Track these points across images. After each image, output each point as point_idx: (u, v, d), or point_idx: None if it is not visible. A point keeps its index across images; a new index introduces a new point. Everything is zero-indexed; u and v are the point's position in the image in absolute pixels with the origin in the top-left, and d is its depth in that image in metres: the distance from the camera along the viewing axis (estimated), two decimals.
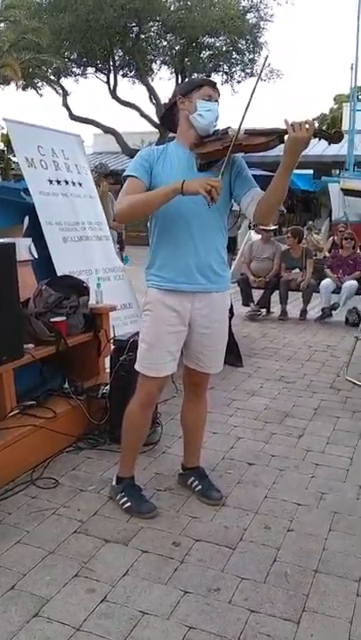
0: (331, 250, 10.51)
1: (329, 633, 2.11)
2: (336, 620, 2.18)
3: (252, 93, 2.43)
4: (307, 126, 2.30)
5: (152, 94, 20.27)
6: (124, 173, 2.58)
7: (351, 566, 2.49)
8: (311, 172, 18.90)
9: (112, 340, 3.78)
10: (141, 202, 2.50)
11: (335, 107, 37.93)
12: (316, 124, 2.36)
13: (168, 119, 2.73)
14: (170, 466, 3.29)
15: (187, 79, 20.27)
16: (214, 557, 2.51)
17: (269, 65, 20.20)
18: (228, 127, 2.58)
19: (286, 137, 2.37)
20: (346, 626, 2.15)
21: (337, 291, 7.83)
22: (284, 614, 2.19)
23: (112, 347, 3.72)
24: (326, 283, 7.87)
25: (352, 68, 14.89)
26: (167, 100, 19.24)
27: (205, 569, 2.43)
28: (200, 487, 2.98)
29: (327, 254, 10.70)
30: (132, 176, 2.55)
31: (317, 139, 2.38)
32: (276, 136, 2.47)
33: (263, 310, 8.13)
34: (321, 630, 2.12)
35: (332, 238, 11.93)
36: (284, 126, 2.38)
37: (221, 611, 2.20)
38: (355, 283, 7.72)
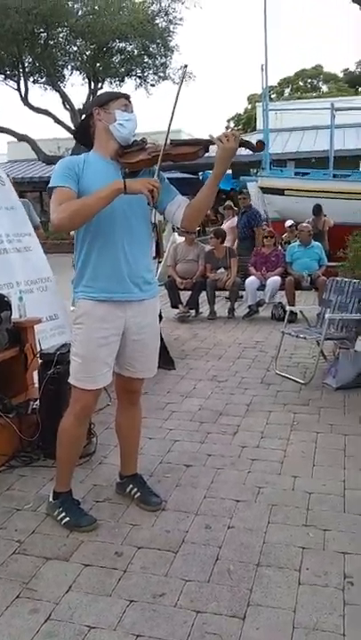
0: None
1: (274, 624, 2.16)
2: (280, 611, 2.23)
3: (175, 106, 2.52)
4: (233, 137, 2.48)
5: (65, 100, 20.03)
6: (51, 184, 2.53)
7: (292, 556, 2.56)
8: (230, 171, 19.27)
9: (39, 354, 3.71)
10: (82, 208, 2.47)
11: (249, 107, 38.86)
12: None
13: (82, 134, 2.73)
14: (107, 476, 3.27)
15: (100, 85, 20.19)
16: (157, 563, 2.52)
17: (182, 67, 20.41)
18: (143, 137, 2.63)
19: (215, 147, 2.53)
20: (290, 615, 2.21)
21: (261, 287, 8.02)
22: (230, 611, 2.23)
23: (39, 361, 3.65)
24: (251, 280, 8.04)
25: (262, 68, 15.21)
26: (81, 107, 19.04)
27: (149, 575, 2.43)
28: (139, 494, 2.98)
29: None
30: (61, 186, 2.52)
31: (244, 148, 2.56)
32: (202, 146, 2.60)
33: (192, 311, 8.21)
34: (266, 622, 2.17)
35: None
36: (205, 136, 2.55)
37: (168, 615, 2.20)
38: (278, 279, 7.93)
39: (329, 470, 3.37)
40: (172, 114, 2.50)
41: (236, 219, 10.34)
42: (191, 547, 2.63)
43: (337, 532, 2.73)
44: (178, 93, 2.55)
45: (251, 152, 2.65)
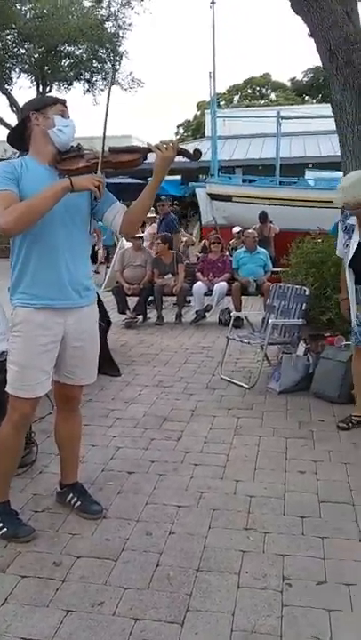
0: (202, 252, 10.87)
1: (212, 628, 2.18)
2: (219, 615, 2.25)
3: (107, 112, 2.53)
4: (171, 145, 2.53)
5: (12, 103, 19.75)
6: None
7: (231, 559, 2.59)
8: (179, 177, 19.37)
9: None
10: (29, 209, 2.43)
11: (199, 113, 39.18)
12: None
13: (17, 138, 2.70)
14: (48, 485, 3.22)
15: (48, 89, 19.98)
16: (97, 572, 2.50)
17: (131, 74, 20.47)
18: (79, 143, 2.63)
19: (154, 156, 2.57)
20: (228, 619, 2.22)
21: (209, 293, 8.09)
22: (169, 617, 2.23)
23: None
24: (198, 286, 8.10)
25: (210, 76, 15.39)
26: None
27: (88, 584, 2.41)
28: (79, 503, 2.95)
29: (199, 254, 11.07)
30: (3, 190, 2.47)
31: (181, 156, 2.62)
32: (141, 154, 2.63)
33: (140, 317, 8.21)
34: (204, 627, 2.18)
35: (203, 242, 12.31)
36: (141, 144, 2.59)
37: (106, 624, 2.19)
38: (225, 284, 8.02)
39: (270, 473, 3.42)
40: (105, 120, 2.52)
41: (156, 225, 10.51)
42: (131, 554, 2.62)
43: (277, 535, 2.78)
44: (108, 98, 2.57)
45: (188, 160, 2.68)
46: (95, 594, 2.35)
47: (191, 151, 2.62)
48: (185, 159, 2.70)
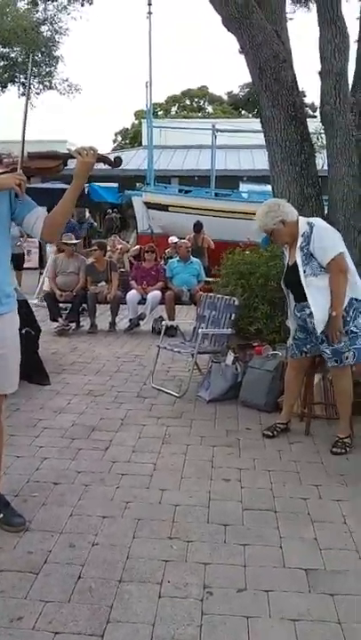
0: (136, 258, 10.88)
1: (132, 639, 2.18)
2: (139, 626, 2.25)
3: (25, 117, 2.50)
4: (92, 152, 2.55)
5: None
6: None
7: (154, 569, 2.60)
8: (117, 185, 19.34)
9: None
10: None
11: (136, 122, 39.29)
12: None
13: None
14: None
15: None
16: (17, 585, 2.45)
17: (67, 79, 20.28)
18: None
19: (75, 161, 2.57)
20: (148, 629, 2.23)
21: (142, 301, 8.10)
22: (88, 630, 2.21)
23: None
24: (132, 294, 8.10)
25: (147, 85, 15.49)
26: None
27: (7, 599, 2.36)
28: (2, 515, 2.88)
29: (132, 259, 11.10)
30: None
31: (102, 163, 2.64)
32: (61, 160, 2.64)
33: (72, 325, 8.12)
34: (124, 638, 2.18)
35: (138, 247, 12.31)
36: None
37: (24, 638, 2.15)
38: (158, 293, 8.05)
39: (196, 482, 3.46)
40: (24, 125, 2.51)
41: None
42: (53, 567, 2.59)
43: (200, 543, 2.81)
44: (26, 105, 2.57)
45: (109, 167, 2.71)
46: (14, 608, 2.31)
47: (112, 158, 2.66)
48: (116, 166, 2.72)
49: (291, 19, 6.06)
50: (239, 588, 2.48)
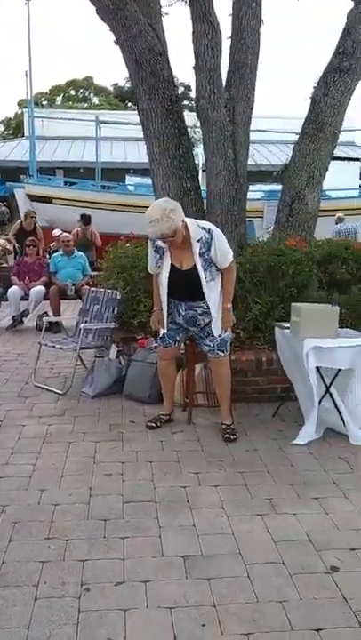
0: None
1: None
2: (13, 631, 2.18)
3: None
4: None
5: None
6: None
7: (30, 572, 2.53)
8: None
9: None
10: None
11: (19, 112, 38.03)
12: None
13: None
14: None
15: None
16: None
17: None
18: None
19: None
20: (23, 632, 2.17)
21: (25, 297, 7.86)
22: None
23: None
24: (13, 290, 7.84)
25: (27, 74, 15.03)
26: None
27: None
28: None
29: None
30: None
31: None
32: None
33: None
34: None
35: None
36: None
37: None
38: (42, 288, 7.85)
39: (77, 479, 3.41)
40: None
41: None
42: None
43: (78, 541, 2.77)
44: None
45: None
46: None
47: None
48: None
49: (167, 13, 6.07)
50: (117, 581, 2.47)
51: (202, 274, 3.86)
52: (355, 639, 2.14)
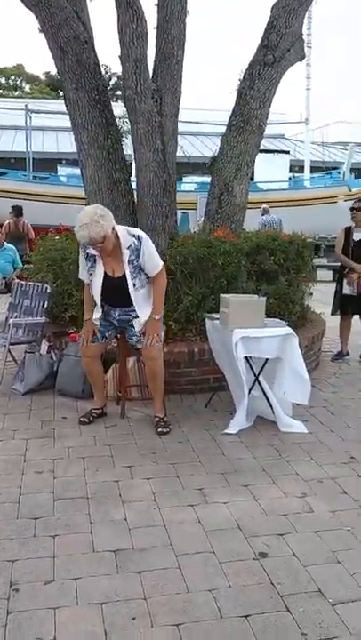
0: None
1: None
2: None
3: None
4: None
5: None
6: None
7: None
8: None
9: None
10: None
11: None
12: None
13: None
14: None
15: None
16: None
17: None
18: None
19: None
20: None
21: None
22: None
23: None
24: None
25: None
26: None
27: None
28: None
29: None
30: None
31: None
32: None
33: None
34: None
35: None
36: None
37: None
38: None
39: (6, 478, 3.34)
40: None
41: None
42: None
43: (8, 541, 2.72)
44: None
45: None
46: None
47: None
48: None
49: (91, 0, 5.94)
50: (47, 580, 2.45)
51: (130, 281, 3.89)
52: (282, 623, 2.20)
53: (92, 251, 3.91)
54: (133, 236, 3.90)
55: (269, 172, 16.41)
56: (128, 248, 3.86)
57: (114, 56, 5.40)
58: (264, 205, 13.21)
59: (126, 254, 3.86)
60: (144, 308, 3.99)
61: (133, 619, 2.23)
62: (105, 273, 3.95)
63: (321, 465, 3.55)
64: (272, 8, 5.45)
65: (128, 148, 5.68)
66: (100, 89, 5.45)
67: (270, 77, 5.43)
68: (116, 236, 3.84)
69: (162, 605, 2.29)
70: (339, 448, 3.81)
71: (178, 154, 5.74)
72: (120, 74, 5.68)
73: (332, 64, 59.62)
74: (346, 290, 5.79)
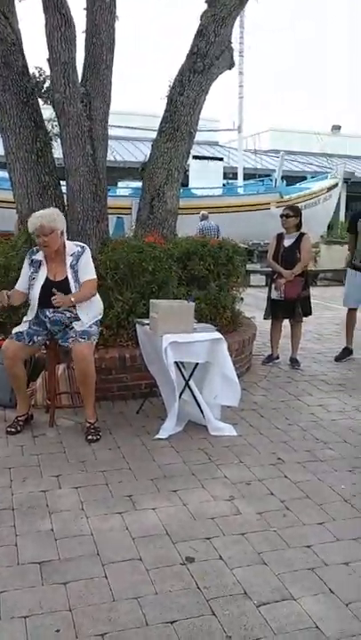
0: None
1: None
2: None
3: None
4: None
5: None
6: None
7: None
8: None
9: None
10: None
11: None
12: None
13: None
14: None
15: None
16: None
17: None
18: None
19: None
20: None
21: None
22: None
23: None
24: None
25: None
26: None
27: None
28: None
29: None
30: None
31: None
32: None
33: None
34: None
35: None
36: None
37: None
38: None
39: None
40: None
41: None
42: None
43: None
44: None
45: None
46: None
47: None
48: None
49: (20, 0, 5.83)
50: None
51: (72, 284, 4.10)
52: (207, 627, 2.21)
53: (37, 256, 4.17)
54: (78, 245, 4.26)
55: (203, 178, 16.58)
56: (72, 255, 4.16)
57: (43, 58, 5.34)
58: (203, 211, 13.32)
59: (69, 260, 4.14)
60: (86, 309, 4.12)
61: (57, 631, 2.18)
62: (47, 277, 4.11)
63: (249, 467, 3.60)
64: (201, 16, 5.52)
65: (59, 151, 5.61)
66: (29, 91, 5.37)
67: (200, 84, 5.50)
68: (63, 245, 4.15)
69: (87, 616, 2.26)
70: (267, 450, 3.88)
71: (109, 158, 5.72)
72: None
73: (265, 72, 60.97)
74: (274, 294, 5.92)
